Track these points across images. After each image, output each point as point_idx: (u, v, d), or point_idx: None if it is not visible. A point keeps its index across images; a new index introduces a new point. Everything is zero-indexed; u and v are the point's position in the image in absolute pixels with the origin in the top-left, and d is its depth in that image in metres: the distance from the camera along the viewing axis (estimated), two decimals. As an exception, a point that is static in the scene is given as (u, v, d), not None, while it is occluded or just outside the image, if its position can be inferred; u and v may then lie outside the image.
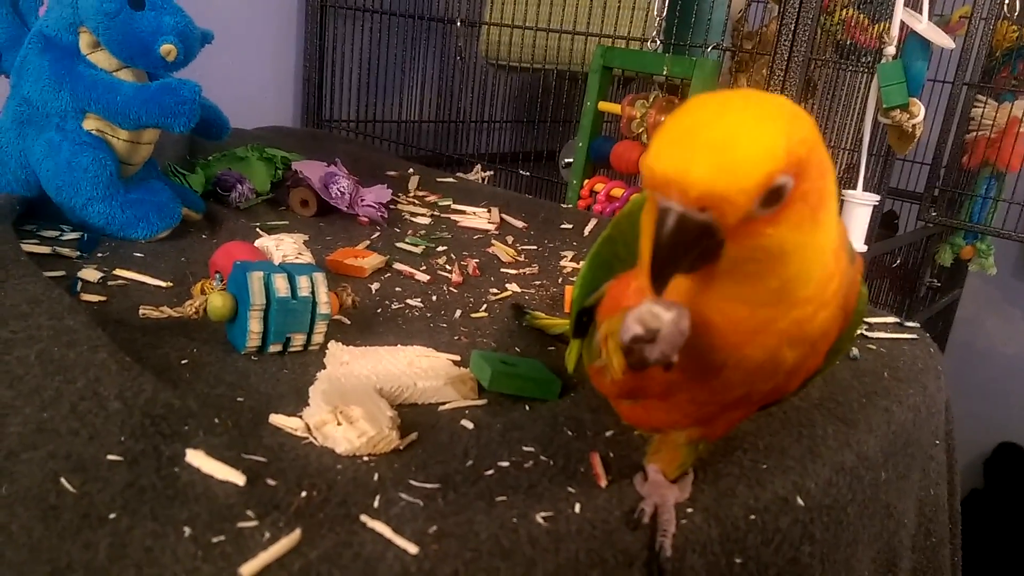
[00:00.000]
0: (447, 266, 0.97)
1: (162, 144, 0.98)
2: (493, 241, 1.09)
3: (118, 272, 0.79)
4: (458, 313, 0.82)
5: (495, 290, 0.90)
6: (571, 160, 1.46)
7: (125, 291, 0.76)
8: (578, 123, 1.43)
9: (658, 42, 1.38)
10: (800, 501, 0.54)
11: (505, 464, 0.53)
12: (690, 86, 1.28)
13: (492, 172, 1.60)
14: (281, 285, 0.65)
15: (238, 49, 1.58)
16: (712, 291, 0.39)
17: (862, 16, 1.61)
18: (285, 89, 1.74)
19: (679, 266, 0.36)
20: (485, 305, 0.85)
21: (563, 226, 1.21)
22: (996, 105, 1.71)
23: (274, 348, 0.66)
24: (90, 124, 0.89)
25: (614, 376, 0.44)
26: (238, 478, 0.46)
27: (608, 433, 0.58)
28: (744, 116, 0.35)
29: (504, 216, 1.22)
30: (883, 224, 1.96)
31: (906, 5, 1.18)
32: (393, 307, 0.82)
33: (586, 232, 1.18)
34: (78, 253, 0.83)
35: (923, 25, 1.17)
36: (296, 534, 0.41)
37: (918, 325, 0.88)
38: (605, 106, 1.40)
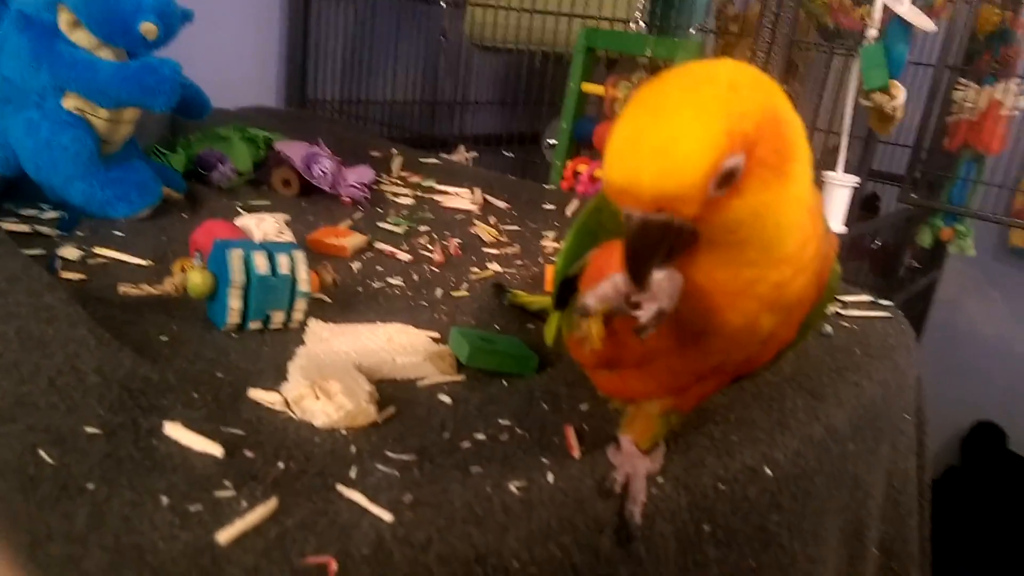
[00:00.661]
0: (429, 246, 0.97)
1: (144, 124, 0.98)
2: (475, 222, 1.10)
3: (98, 251, 0.80)
4: (439, 292, 0.82)
5: (476, 270, 0.91)
6: (555, 141, 1.46)
7: (105, 269, 0.76)
8: (563, 104, 1.43)
9: (642, 24, 1.38)
10: (768, 471, 0.56)
11: (481, 437, 0.54)
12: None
13: (476, 153, 1.60)
14: (261, 263, 0.66)
15: (220, 28, 1.57)
16: (699, 260, 0.41)
17: (845, -1, 1.62)
18: (268, 69, 1.73)
19: (653, 262, 0.38)
20: (466, 284, 0.86)
21: (546, 207, 1.21)
22: (978, 88, 1.72)
23: (254, 326, 0.67)
24: (69, 103, 0.88)
25: (593, 345, 0.45)
26: (216, 450, 0.47)
27: (583, 407, 0.59)
28: (681, 112, 0.36)
29: (487, 197, 1.23)
30: (865, 207, 1.98)
31: (888, -13, 1.18)
32: (374, 286, 0.82)
33: (568, 213, 1.19)
34: (58, 232, 0.83)
35: (904, 8, 1.17)
36: (273, 502, 0.42)
37: (891, 303, 0.90)
38: (589, 87, 1.40)
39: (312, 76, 1.75)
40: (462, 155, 1.55)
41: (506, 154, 1.66)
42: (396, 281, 0.84)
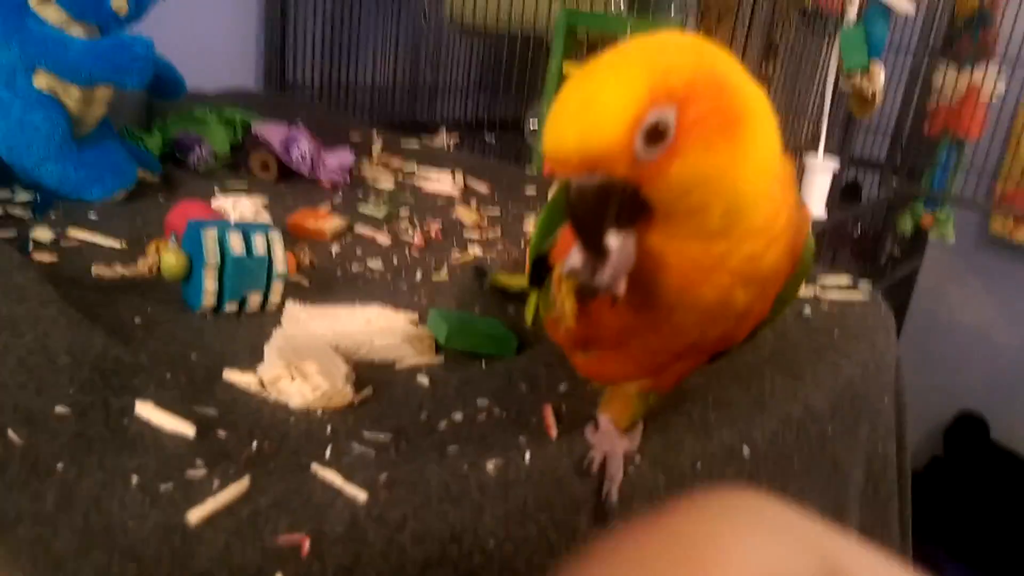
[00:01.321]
0: (409, 230, 0.97)
1: (119, 105, 0.96)
2: (456, 206, 1.09)
3: (71, 233, 0.78)
4: (419, 275, 0.82)
5: (457, 254, 0.90)
6: (537, 127, 1.46)
7: (79, 252, 0.75)
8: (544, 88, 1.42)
9: (622, 5, 1.37)
10: (746, 451, 0.56)
11: (459, 417, 0.53)
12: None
13: (457, 139, 1.59)
14: (236, 243, 0.65)
15: (197, 7, 1.54)
16: (663, 232, 0.40)
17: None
18: (247, 51, 1.71)
19: (602, 229, 0.37)
20: (446, 268, 0.85)
21: (527, 191, 1.21)
22: (957, 73, 1.73)
23: (230, 308, 0.66)
24: (41, 82, 0.86)
25: (567, 324, 0.44)
26: (188, 429, 0.46)
27: (562, 387, 0.59)
28: (602, 74, 0.36)
29: (468, 181, 1.22)
30: (847, 195, 1.98)
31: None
32: (353, 269, 0.82)
33: (550, 197, 1.18)
34: (31, 214, 0.81)
35: (884, -9, 1.18)
36: (245, 481, 0.42)
37: (869, 285, 0.90)
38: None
39: (291, 58, 1.72)
40: (443, 140, 1.54)
41: (488, 140, 1.65)
42: (375, 265, 0.83)
